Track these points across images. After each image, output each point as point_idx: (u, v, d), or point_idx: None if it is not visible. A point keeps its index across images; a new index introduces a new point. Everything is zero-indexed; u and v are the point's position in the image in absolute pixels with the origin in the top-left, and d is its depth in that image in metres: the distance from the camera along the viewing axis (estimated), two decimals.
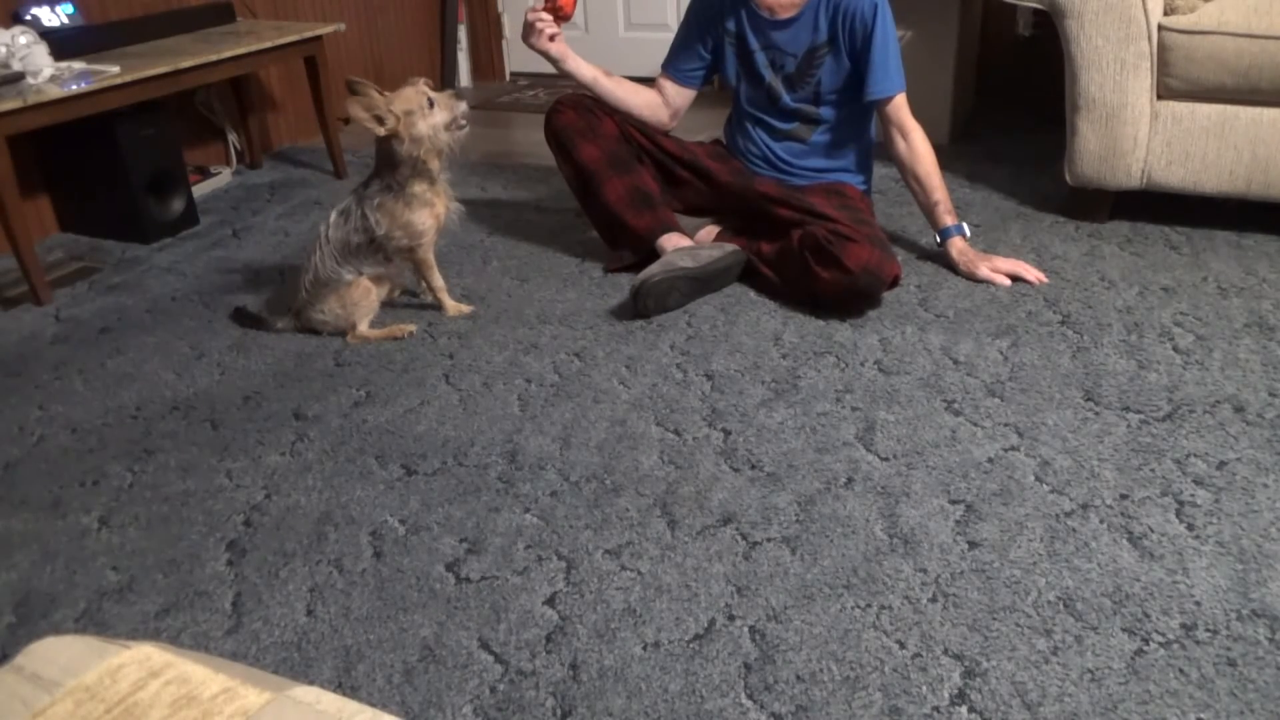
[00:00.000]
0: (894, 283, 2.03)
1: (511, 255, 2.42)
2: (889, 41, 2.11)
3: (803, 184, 2.25)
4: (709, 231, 2.29)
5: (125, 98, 2.38)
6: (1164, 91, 2.24)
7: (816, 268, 1.96)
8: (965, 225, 2.18)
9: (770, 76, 2.22)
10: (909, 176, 2.17)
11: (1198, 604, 1.24)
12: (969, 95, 3.26)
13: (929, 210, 2.17)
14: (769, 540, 1.39)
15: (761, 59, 2.21)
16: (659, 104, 2.35)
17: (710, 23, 2.26)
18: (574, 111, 2.27)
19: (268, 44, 2.72)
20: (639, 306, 2.03)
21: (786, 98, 2.22)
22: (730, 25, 2.22)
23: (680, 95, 2.36)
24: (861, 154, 2.31)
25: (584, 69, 2.26)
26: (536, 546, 1.40)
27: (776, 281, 2.09)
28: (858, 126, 2.27)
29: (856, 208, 2.16)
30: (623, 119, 2.30)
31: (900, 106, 2.15)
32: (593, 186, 2.25)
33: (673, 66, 2.35)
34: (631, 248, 2.24)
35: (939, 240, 2.18)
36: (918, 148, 2.14)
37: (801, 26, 2.14)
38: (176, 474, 1.63)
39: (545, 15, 2.14)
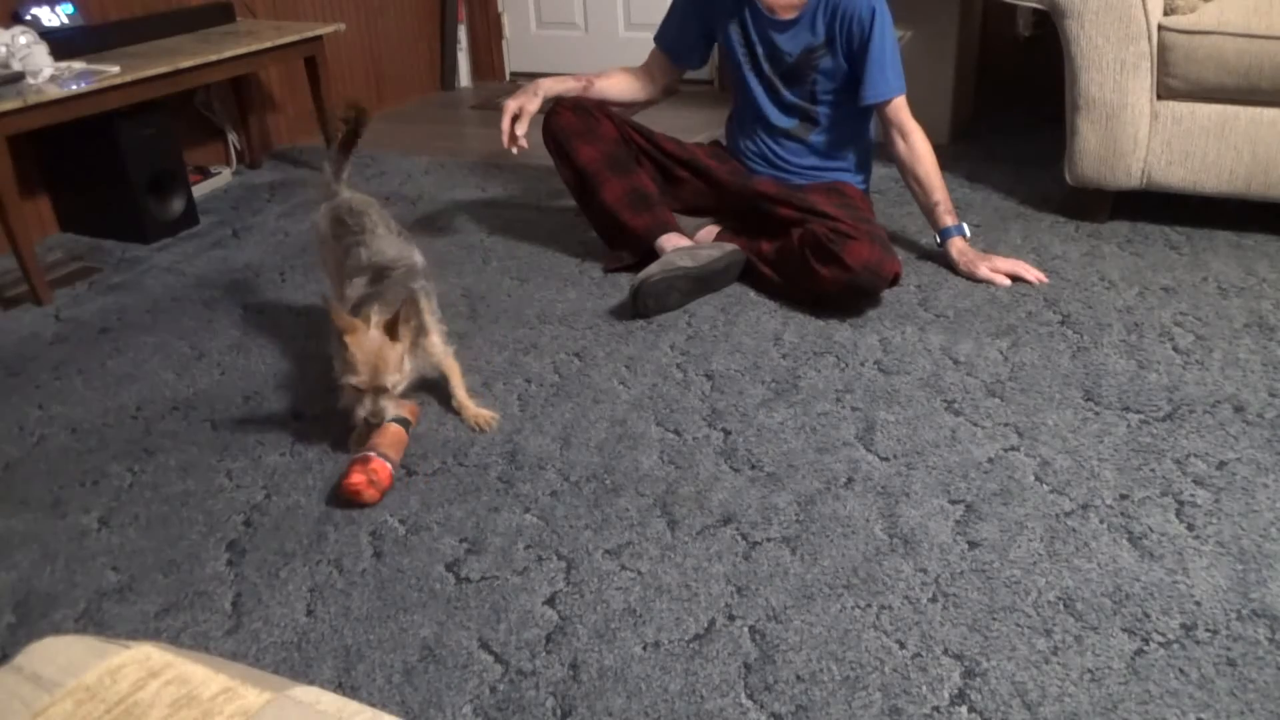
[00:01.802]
0: (894, 280, 2.03)
1: (511, 255, 2.42)
2: (886, 45, 2.10)
3: (802, 183, 2.25)
4: (709, 231, 2.29)
5: (125, 98, 2.38)
6: (1164, 91, 2.23)
7: (816, 265, 1.96)
8: (965, 225, 2.18)
9: (770, 72, 2.22)
10: (909, 177, 2.17)
11: (1198, 604, 1.24)
12: (969, 95, 3.26)
13: (929, 211, 2.17)
14: (769, 540, 1.39)
15: (761, 54, 2.21)
16: (642, 83, 2.40)
17: (711, 14, 2.26)
18: (572, 113, 2.27)
19: (268, 44, 2.72)
20: (638, 306, 2.03)
21: (786, 94, 2.23)
22: (732, 22, 2.22)
23: (672, 72, 2.41)
24: (861, 154, 2.31)
25: (562, 86, 2.33)
26: (536, 546, 1.40)
27: (776, 281, 2.09)
28: (857, 126, 2.27)
29: (856, 206, 2.16)
30: (621, 121, 2.31)
31: (900, 108, 2.15)
32: (591, 188, 2.25)
33: (669, 45, 2.36)
34: (630, 248, 2.24)
35: (939, 240, 2.18)
36: (918, 148, 2.14)
37: (800, 28, 2.15)
38: (176, 474, 1.63)
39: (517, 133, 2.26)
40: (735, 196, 2.25)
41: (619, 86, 2.39)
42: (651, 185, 2.28)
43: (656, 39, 2.38)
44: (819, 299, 2.01)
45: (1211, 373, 1.74)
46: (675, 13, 2.34)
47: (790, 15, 2.15)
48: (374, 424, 1.57)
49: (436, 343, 1.71)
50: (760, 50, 2.21)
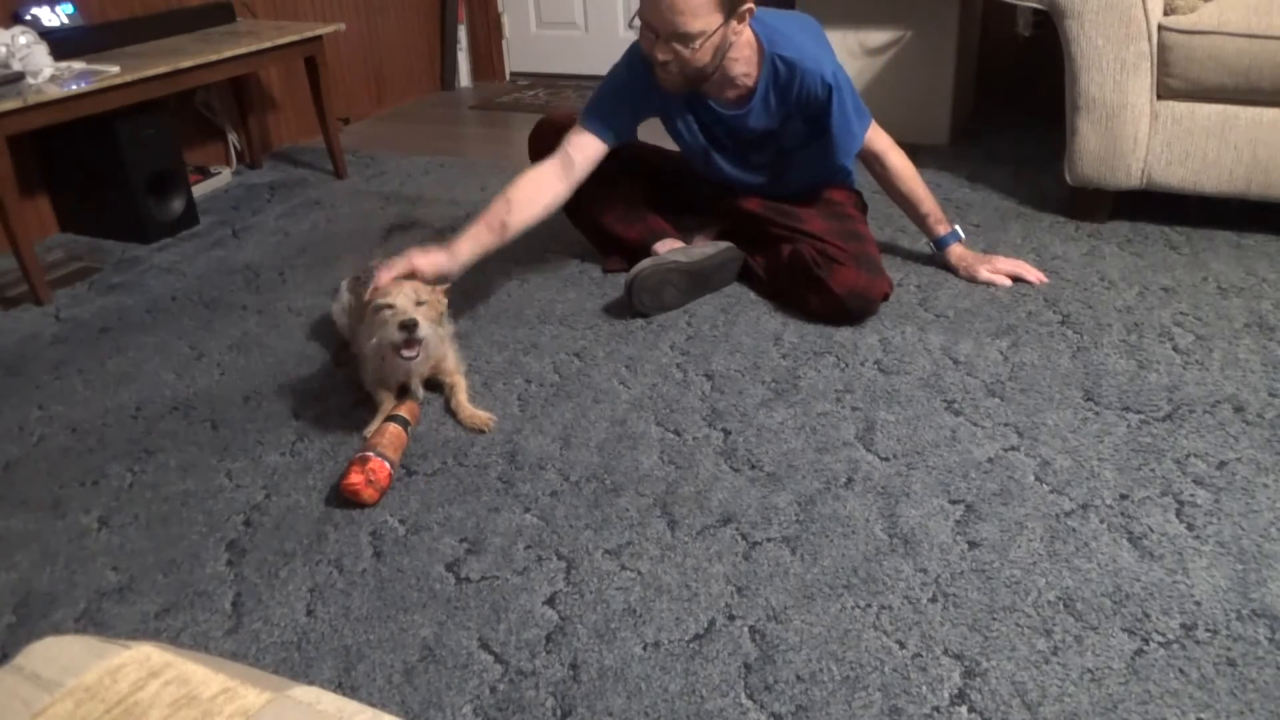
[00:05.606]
0: (885, 298, 2.00)
1: (511, 255, 2.41)
2: (847, 108, 2.00)
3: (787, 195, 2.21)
4: (704, 237, 2.28)
5: (125, 98, 2.38)
6: (1164, 91, 2.24)
7: (804, 291, 1.96)
8: (959, 229, 2.16)
9: (732, 145, 2.15)
10: (892, 195, 2.13)
11: (1198, 604, 1.24)
12: (969, 95, 3.26)
13: (920, 223, 2.15)
14: (769, 540, 1.39)
15: (722, 133, 2.14)
16: (564, 184, 2.00)
17: (649, 109, 2.11)
18: (557, 138, 2.21)
19: (268, 44, 2.72)
20: (634, 302, 2.02)
21: (753, 156, 2.17)
22: (683, 113, 2.12)
23: (599, 156, 2.03)
24: (839, 163, 2.24)
25: (470, 251, 1.92)
26: (536, 546, 1.40)
27: (770, 287, 2.09)
28: (828, 148, 2.13)
29: (847, 215, 2.12)
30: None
31: (870, 140, 2.08)
32: (581, 205, 2.23)
33: (605, 126, 2.01)
34: (626, 258, 2.23)
35: (935, 250, 2.17)
36: (894, 166, 2.09)
37: (755, 114, 2.05)
38: (176, 474, 1.63)
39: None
40: (724, 213, 2.23)
41: (539, 204, 1.98)
42: (641, 196, 2.26)
43: (589, 123, 2.02)
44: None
45: (1211, 373, 1.74)
46: (607, 101, 2.05)
47: (739, 110, 2.05)
48: (410, 331, 1.60)
49: (450, 352, 1.80)
50: (720, 130, 2.12)
